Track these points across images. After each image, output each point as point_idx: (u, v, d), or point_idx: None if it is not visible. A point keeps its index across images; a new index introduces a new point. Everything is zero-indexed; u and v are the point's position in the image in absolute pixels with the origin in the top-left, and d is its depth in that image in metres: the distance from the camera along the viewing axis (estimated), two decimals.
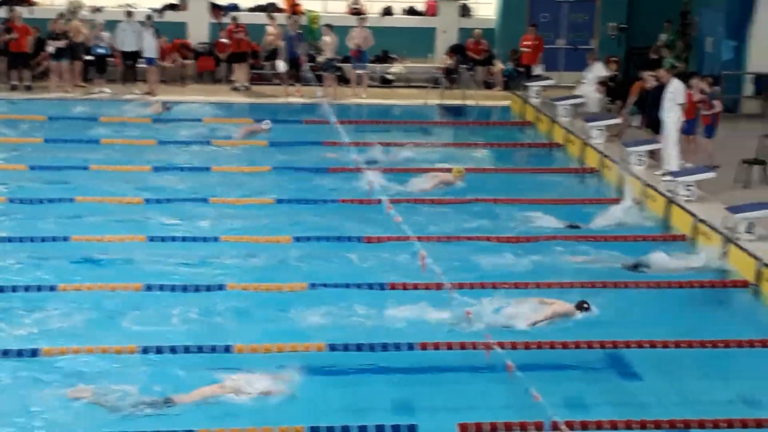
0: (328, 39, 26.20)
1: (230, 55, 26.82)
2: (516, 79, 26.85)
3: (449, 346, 11.32)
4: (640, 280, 13.63)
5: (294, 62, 25.89)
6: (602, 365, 11.51)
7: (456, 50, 28.08)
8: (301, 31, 26.47)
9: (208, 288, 12.81)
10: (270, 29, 27.08)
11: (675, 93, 18.06)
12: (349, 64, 26.77)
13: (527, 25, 27.46)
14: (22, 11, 26.28)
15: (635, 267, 14.11)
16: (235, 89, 26.25)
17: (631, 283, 13.48)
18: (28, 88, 25.07)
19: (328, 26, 26.54)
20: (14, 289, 12.54)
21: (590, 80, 23.44)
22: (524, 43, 26.69)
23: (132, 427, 9.60)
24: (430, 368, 11.11)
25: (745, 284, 13.80)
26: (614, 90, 23.34)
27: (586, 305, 12.17)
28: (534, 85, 24.89)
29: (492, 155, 21.37)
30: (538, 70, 26.31)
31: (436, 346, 11.33)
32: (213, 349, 11.08)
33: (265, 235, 15.01)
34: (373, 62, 28.04)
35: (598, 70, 23.44)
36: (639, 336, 11.72)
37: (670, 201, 16.57)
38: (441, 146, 21.61)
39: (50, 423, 9.68)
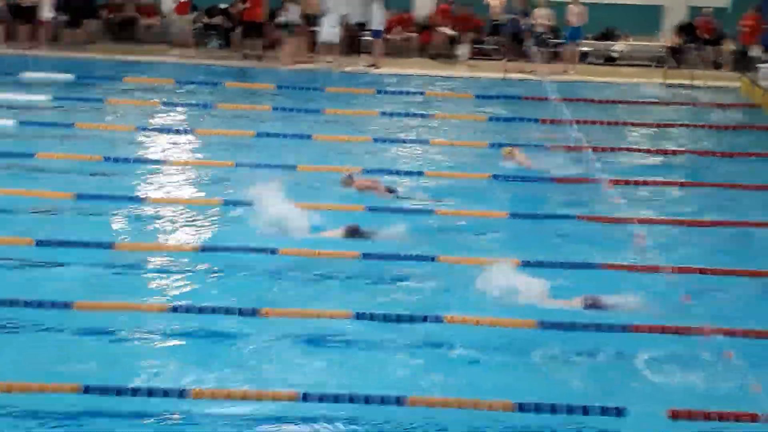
0: (540, 12, 26.03)
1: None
2: (745, 61, 25.93)
3: (663, 330, 11.12)
4: None
5: (517, 37, 25.80)
6: None
7: (684, 29, 27.29)
8: (526, 7, 26.35)
9: (420, 258, 12.97)
10: (493, 2, 27.11)
11: None
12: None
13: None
14: None
15: None
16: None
17: None
18: (259, 58, 25.93)
19: None
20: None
21: None
22: (743, 22, 25.85)
23: None
24: (642, 352, 10.91)
25: None
26: None
27: None
28: (764, 67, 23.97)
29: (716, 138, 20.69)
30: (756, 51, 25.44)
31: (651, 330, 11.15)
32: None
33: (480, 209, 15.09)
34: (597, 39, 27.66)
35: None
36: None
37: None
38: (663, 127, 21.10)
39: None
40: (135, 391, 9.42)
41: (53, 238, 12.94)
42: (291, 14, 25.68)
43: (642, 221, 14.17)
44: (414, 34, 27.63)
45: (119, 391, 9.38)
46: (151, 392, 9.43)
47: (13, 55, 25.29)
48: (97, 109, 20.47)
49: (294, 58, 25.93)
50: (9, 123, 18.77)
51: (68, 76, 22.84)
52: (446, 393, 9.69)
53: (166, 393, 9.43)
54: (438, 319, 11.20)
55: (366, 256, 12.93)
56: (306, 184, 15.99)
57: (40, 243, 12.85)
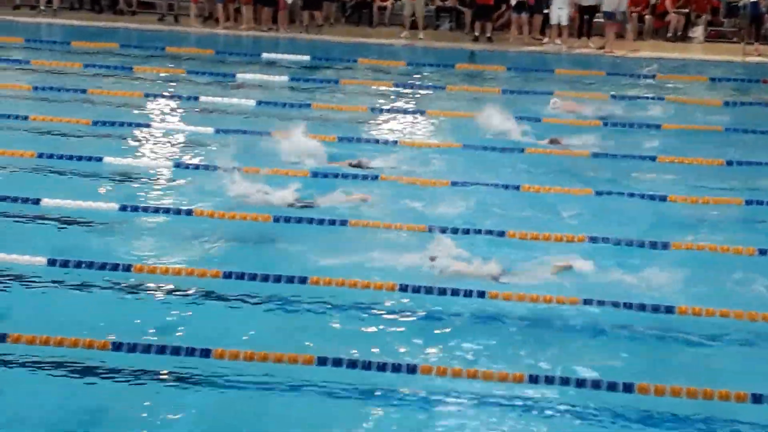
0: None
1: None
2: None
3: None
4: None
5: (756, 19, 24.92)
6: None
7: None
8: None
9: (653, 245, 12.77)
10: None
11: None
12: None
13: None
14: None
15: None
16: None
17: None
18: (489, 40, 26.02)
19: None
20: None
21: None
22: None
23: None
24: None
25: None
26: None
27: None
28: None
29: None
30: None
31: None
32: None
33: (714, 196, 14.72)
34: None
35: None
36: None
37: None
38: None
39: None
40: (366, 365, 9.73)
41: (289, 215, 13.43)
42: None
43: None
44: (648, 16, 27.07)
45: (351, 364, 9.71)
46: (381, 366, 9.71)
47: (257, 37, 26.30)
48: (331, 90, 21.06)
49: (524, 40, 25.90)
50: (250, 102, 19.57)
51: (305, 58, 23.59)
52: (679, 382, 9.55)
53: (395, 367, 9.70)
54: (669, 310, 11.03)
55: (593, 239, 12.87)
56: (535, 166, 15.99)
57: (277, 219, 13.37)
